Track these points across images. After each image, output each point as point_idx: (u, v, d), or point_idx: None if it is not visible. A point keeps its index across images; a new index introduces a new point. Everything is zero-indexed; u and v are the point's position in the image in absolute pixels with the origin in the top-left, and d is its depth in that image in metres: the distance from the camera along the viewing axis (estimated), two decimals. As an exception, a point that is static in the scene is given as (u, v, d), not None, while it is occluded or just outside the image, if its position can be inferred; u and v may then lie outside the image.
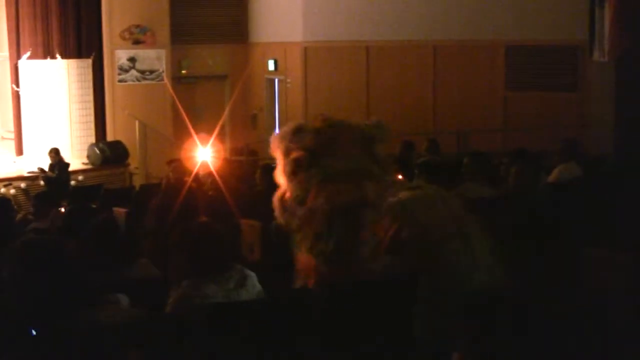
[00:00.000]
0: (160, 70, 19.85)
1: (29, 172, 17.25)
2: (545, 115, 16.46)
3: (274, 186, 5.27)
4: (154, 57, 19.79)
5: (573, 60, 16.63)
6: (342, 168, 4.75)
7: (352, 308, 4.33)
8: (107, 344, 3.58)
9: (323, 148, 4.89)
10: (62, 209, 10.58)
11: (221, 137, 20.22)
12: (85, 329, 3.55)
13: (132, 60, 19.62)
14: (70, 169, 17.11)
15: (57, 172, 16.53)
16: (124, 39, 19.49)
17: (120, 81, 19.59)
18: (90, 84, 19.41)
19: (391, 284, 4.32)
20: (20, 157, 18.81)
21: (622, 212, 6.97)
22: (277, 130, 18.41)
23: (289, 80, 19.49)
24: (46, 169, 16.68)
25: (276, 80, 20.28)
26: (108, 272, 5.55)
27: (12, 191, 16.39)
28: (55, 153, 16.76)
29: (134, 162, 18.95)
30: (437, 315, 4.27)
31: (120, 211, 10.51)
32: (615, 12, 13.55)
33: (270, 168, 12.70)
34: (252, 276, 5.00)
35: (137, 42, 19.60)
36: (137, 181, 17.98)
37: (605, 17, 13.88)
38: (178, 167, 12.73)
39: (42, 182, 16.45)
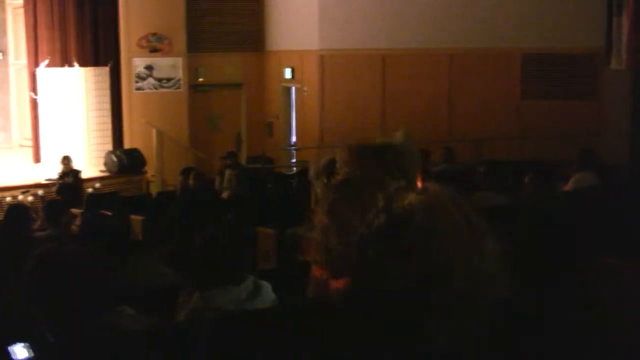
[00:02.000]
0: (177, 78, 19.91)
1: (46, 180, 17.32)
2: (562, 123, 16.41)
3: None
4: (171, 65, 19.86)
5: (590, 68, 16.59)
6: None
7: (367, 315, 4.33)
8: (124, 352, 3.59)
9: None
10: (75, 214, 10.64)
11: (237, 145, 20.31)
12: (103, 336, 3.56)
13: (149, 68, 19.68)
14: (87, 176, 17.18)
15: (72, 178, 16.60)
16: (141, 47, 19.56)
17: (137, 89, 19.65)
18: (108, 92, 19.47)
19: (404, 291, 4.31)
20: (38, 164, 18.88)
21: (637, 221, 6.96)
22: (293, 138, 18.46)
23: (305, 88, 19.51)
24: (59, 176, 16.76)
25: (292, 88, 20.30)
26: (124, 278, 5.58)
27: (30, 198, 16.46)
28: (67, 160, 16.85)
29: (150, 170, 19.00)
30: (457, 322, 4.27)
31: (136, 219, 10.56)
32: (633, 20, 13.52)
33: (283, 176, 12.79)
34: (267, 286, 4.99)
35: (154, 50, 19.67)
36: (154, 189, 18.03)
37: (623, 26, 13.84)
38: (198, 175, 12.81)
39: (54, 190, 16.47)
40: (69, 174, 16.58)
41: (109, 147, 19.34)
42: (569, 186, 10.21)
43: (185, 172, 13.92)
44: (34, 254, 3.71)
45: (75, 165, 17.21)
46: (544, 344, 4.48)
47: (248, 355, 4.23)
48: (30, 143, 19.64)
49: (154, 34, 19.59)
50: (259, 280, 4.99)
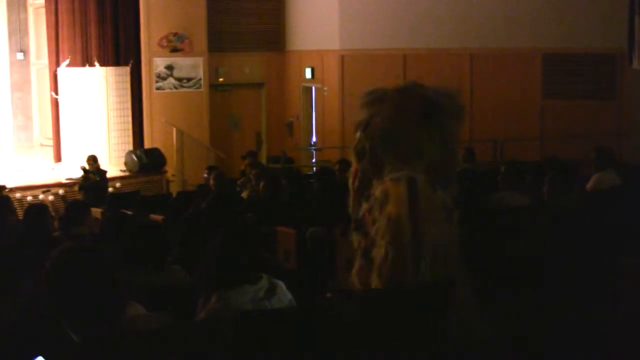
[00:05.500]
0: (198, 77, 19.94)
1: (67, 179, 17.37)
2: (583, 123, 16.34)
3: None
4: (192, 65, 19.89)
5: (611, 68, 16.50)
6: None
7: (384, 315, 4.32)
8: (141, 351, 3.59)
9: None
10: (98, 215, 10.67)
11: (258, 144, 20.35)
12: (120, 336, 3.57)
13: (169, 68, 19.72)
14: (108, 175, 17.19)
15: (98, 177, 16.62)
16: (161, 46, 19.60)
17: (157, 89, 19.69)
18: (128, 92, 19.53)
19: (424, 291, 4.31)
20: (59, 163, 18.95)
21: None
22: (313, 138, 18.44)
23: (325, 88, 19.51)
24: (85, 174, 16.74)
25: (313, 88, 20.31)
26: (139, 277, 5.57)
27: (51, 197, 16.51)
28: (93, 160, 16.85)
29: (170, 170, 19.03)
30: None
31: (156, 218, 10.58)
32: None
33: (300, 176, 12.79)
34: (281, 285, 4.99)
35: (174, 50, 19.70)
36: (174, 188, 18.05)
37: (645, 25, 13.78)
38: (219, 175, 12.81)
39: (78, 188, 16.48)
40: (96, 173, 16.59)
41: (130, 146, 19.40)
42: (589, 186, 10.16)
43: (211, 169, 13.98)
44: (53, 254, 3.71)
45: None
46: (564, 341, 4.46)
47: (268, 355, 4.22)
48: (51, 142, 19.72)
49: (175, 34, 19.63)
50: (273, 279, 4.99)
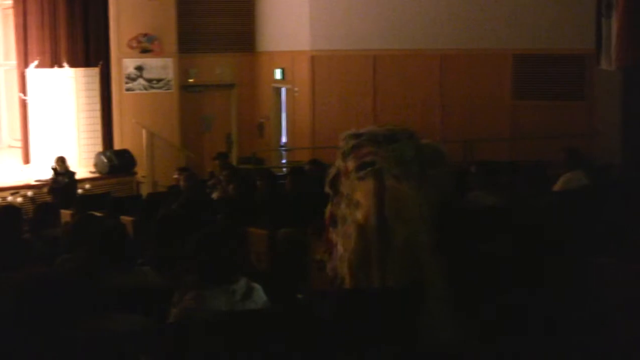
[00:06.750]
0: (168, 79, 19.87)
1: (36, 181, 17.27)
2: (553, 124, 16.42)
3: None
4: (162, 66, 19.82)
5: (580, 69, 16.59)
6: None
7: (358, 315, 4.32)
8: (115, 352, 3.57)
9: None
10: (67, 217, 10.60)
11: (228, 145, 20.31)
12: (93, 337, 3.54)
13: (139, 69, 19.65)
14: (77, 177, 17.12)
15: (67, 179, 16.54)
16: (131, 47, 19.52)
17: (127, 90, 19.62)
18: (98, 93, 19.45)
19: (397, 292, 4.31)
20: (27, 165, 18.83)
21: (630, 221, 6.94)
22: (283, 139, 18.49)
23: (296, 89, 19.49)
24: (54, 176, 16.64)
25: (283, 89, 20.29)
26: (110, 279, 5.54)
27: (19, 200, 16.40)
28: (61, 161, 16.76)
29: (141, 171, 18.96)
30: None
31: (127, 220, 10.52)
32: (622, 22, 13.52)
33: (272, 175, 12.78)
34: (258, 288, 4.98)
35: (144, 51, 19.63)
36: (144, 190, 17.99)
37: (612, 27, 13.84)
38: (190, 176, 12.76)
39: (47, 190, 16.38)
40: (65, 175, 16.51)
41: (99, 148, 19.31)
42: (557, 186, 10.20)
43: (182, 171, 13.93)
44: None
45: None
46: (533, 342, 4.48)
47: (240, 356, 4.21)
48: (19, 144, 19.59)
49: (145, 35, 19.55)
50: (251, 282, 4.97)
